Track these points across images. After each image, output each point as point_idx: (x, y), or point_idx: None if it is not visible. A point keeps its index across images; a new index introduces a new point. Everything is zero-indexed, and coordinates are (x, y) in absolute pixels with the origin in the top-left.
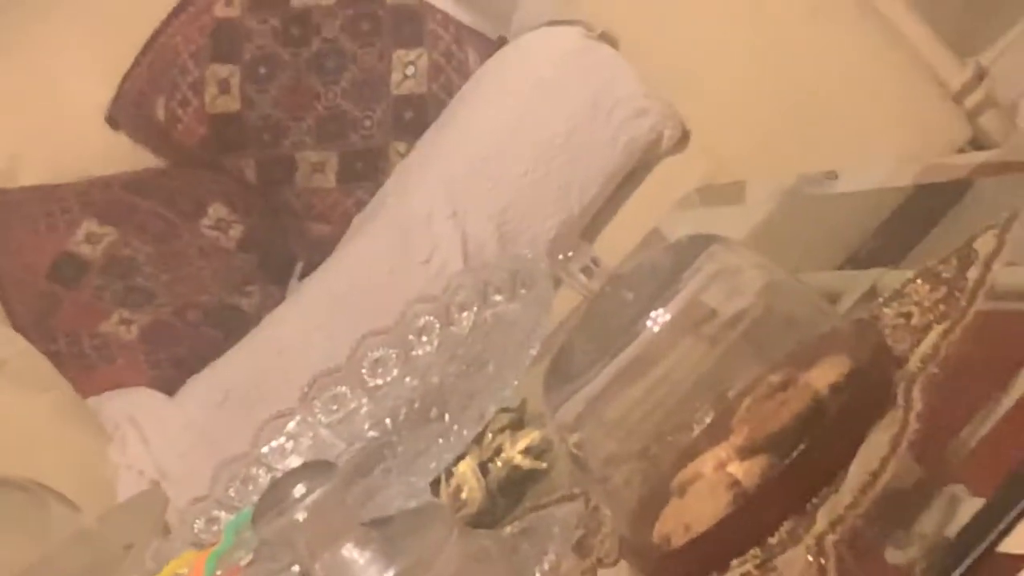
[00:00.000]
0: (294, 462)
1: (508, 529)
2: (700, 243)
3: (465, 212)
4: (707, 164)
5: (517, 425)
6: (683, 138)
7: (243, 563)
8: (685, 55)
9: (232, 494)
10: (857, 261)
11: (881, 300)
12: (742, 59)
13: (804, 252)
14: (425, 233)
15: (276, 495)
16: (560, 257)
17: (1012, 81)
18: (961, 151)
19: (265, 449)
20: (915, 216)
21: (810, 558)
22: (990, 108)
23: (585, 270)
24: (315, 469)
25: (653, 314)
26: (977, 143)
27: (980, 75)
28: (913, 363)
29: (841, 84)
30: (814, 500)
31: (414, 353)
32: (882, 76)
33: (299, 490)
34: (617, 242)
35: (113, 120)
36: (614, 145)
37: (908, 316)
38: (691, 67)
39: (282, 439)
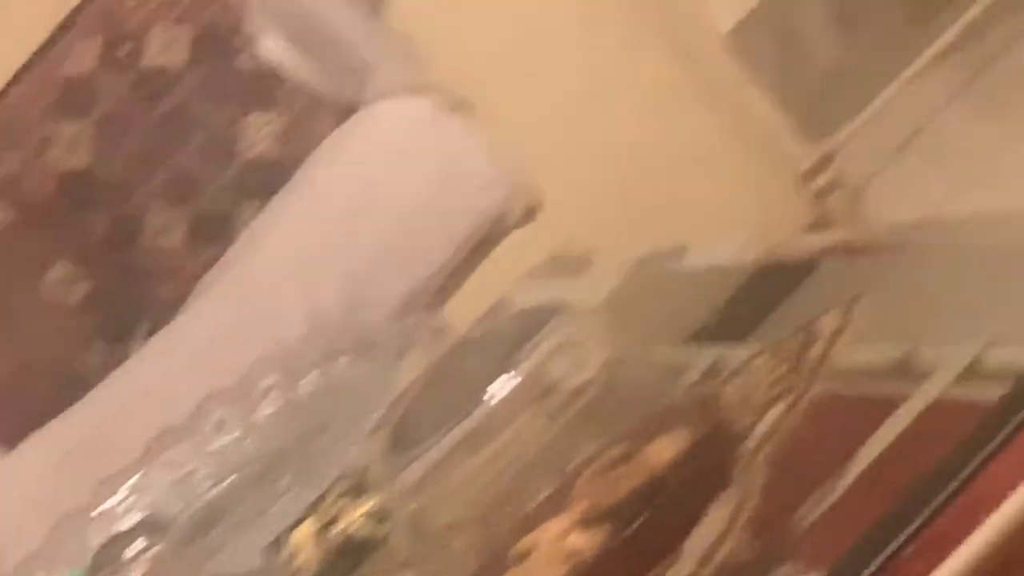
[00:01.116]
0: (134, 519)
1: None
2: (546, 313)
3: (312, 277)
4: (556, 236)
5: (358, 490)
6: (533, 210)
7: None
8: (537, 127)
9: (69, 551)
10: (703, 337)
11: (724, 376)
12: (595, 134)
13: (650, 326)
14: (272, 298)
15: (113, 551)
16: (405, 322)
17: (859, 164)
18: (808, 230)
19: (105, 506)
20: (761, 294)
21: None
22: (837, 189)
23: (430, 336)
24: (153, 527)
25: (497, 382)
26: (823, 223)
27: (828, 158)
28: (753, 440)
29: (692, 161)
30: (651, 573)
31: (256, 415)
32: (732, 155)
33: (136, 546)
34: (464, 312)
35: None
36: (464, 216)
37: (750, 392)
38: (543, 140)
39: (122, 496)
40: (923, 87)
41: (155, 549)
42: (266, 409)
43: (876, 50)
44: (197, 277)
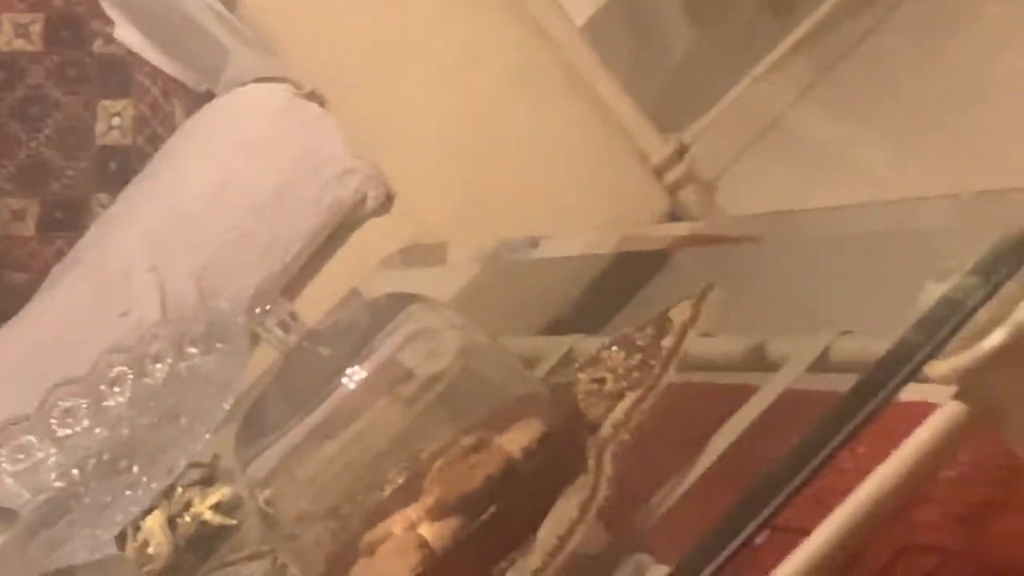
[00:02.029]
0: None
1: None
2: (399, 302)
3: (165, 266)
4: (411, 226)
5: (208, 480)
6: (388, 200)
7: None
8: (392, 117)
9: None
10: (557, 327)
11: (577, 365)
12: (448, 123)
13: (505, 316)
14: (124, 286)
15: None
16: (257, 311)
17: (712, 158)
18: (662, 223)
19: None
20: (615, 285)
21: None
22: (690, 183)
23: (282, 325)
24: None
25: (348, 371)
26: (676, 217)
27: (681, 151)
28: (606, 429)
29: (546, 152)
30: (503, 563)
31: (105, 404)
32: (586, 146)
33: None
34: (318, 302)
35: None
36: (318, 205)
37: (602, 382)
38: (397, 129)
39: None
40: (775, 82)
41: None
42: (115, 398)
43: (729, 45)
44: (49, 266)
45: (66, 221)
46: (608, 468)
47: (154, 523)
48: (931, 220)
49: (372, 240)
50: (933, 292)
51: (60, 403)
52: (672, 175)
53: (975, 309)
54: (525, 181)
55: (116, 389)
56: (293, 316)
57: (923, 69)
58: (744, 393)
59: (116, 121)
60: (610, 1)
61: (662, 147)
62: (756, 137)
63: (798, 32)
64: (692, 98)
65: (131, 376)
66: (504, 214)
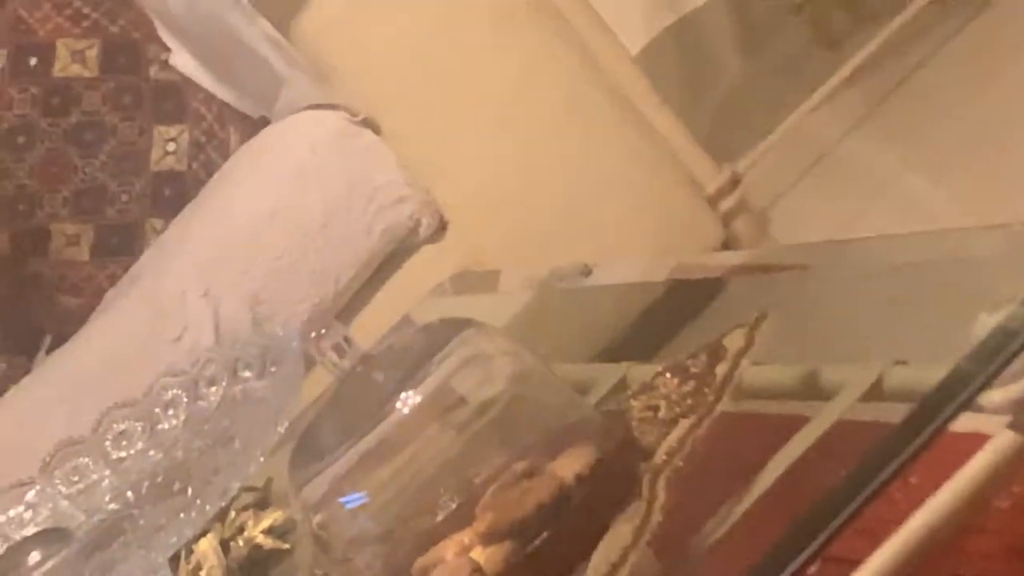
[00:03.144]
0: (33, 531)
1: None
2: (453, 327)
3: (218, 292)
4: (464, 253)
5: (261, 504)
6: (441, 227)
7: None
8: (446, 145)
9: None
10: (610, 354)
11: (630, 392)
12: (501, 150)
13: (557, 343)
14: (178, 311)
15: (11, 562)
16: (312, 335)
17: (765, 187)
18: (715, 251)
19: (2, 518)
20: (668, 313)
21: None
22: (743, 213)
23: (337, 349)
24: (51, 538)
25: (403, 396)
26: (729, 246)
27: (735, 180)
28: (659, 456)
29: (599, 181)
30: None
31: (160, 427)
32: (639, 175)
33: (34, 557)
34: (372, 328)
35: None
36: (371, 232)
37: (656, 409)
38: (451, 157)
39: (20, 508)
40: (827, 113)
41: (53, 561)
42: (170, 421)
43: (782, 76)
44: (103, 290)
45: (120, 246)
46: (661, 495)
47: (207, 546)
48: (983, 250)
49: (425, 267)
50: (986, 322)
51: (115, 426)
52: (725, 204)
53: None
54: (578, 209)
55: (170, 412)
56: (348, 340)
57: (972, 102)
58: (797, 422)
59: (171, 147)
60: (664, 31)
61: (716, 176)
62: (808, 167)
63: (850, 65)
64: (745, 128)
65: (185, 399)
66: (556, 242)
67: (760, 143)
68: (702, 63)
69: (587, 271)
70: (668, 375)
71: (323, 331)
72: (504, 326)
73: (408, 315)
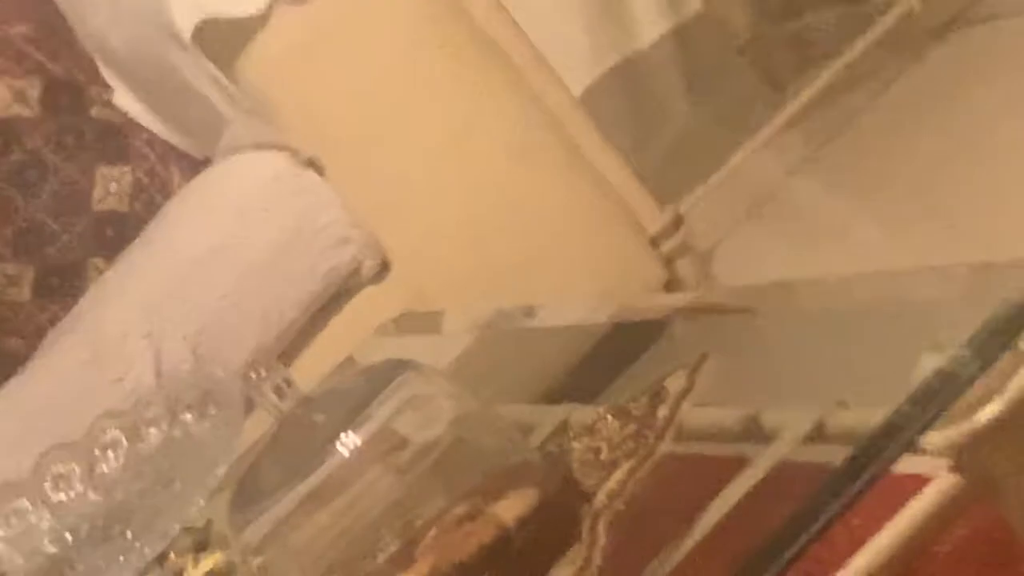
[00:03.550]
0: None
1: None
2: (395, 369)
3: (161, 332)
4: (407, 295)
5: (201, 546)
6: (384, 268)
7: None
8: (390, 186)
9: None
10: (553, 396)
11: (572, 434)
12: (445, 192)
13: (500, 385)
14: (119, 351)
15: None
16: (253, 376)
17: (708, 229)
18: (658, 293)
19: None
20: (611, 354)
21: None
22: (686, 254)
23: (278, 391)
24: None
25: (343, 438)
26: (672, 287)
27: (678, 222)
28: (600, 499)
29: (542, 222)
30: None
31: (99, 468)
32: (583, 216)
33: None
34: (314, 369)
35: None
36: (314, 272)
37: (597, 451)
38: (395, 198)
39: None
40: (771, 155)
41: None
42: (109, 463)
43: (726, 117)
44: (44, 331)
45: (62, 287)
46: (602, 538)
47: None
48: (925, 293)
49: (368, 308)
50: (928, 364)
51: (54, 467)
52: (668, 245)
53: (970, 382)
54: (521, 251)
55: (110, 454)
56: (288, 382)
57: (914, 145)
58: (738, 464)
59: (113, 187)
60: (608, 71)
61: (659, 217)
62: (751, 208)
63: (793, 107)
64: (688, 169)
65: (125, 441)
66: (500, 284)
67: (703, 184)
68: (646, 103)
69: (530, 313)
70: (610, 417)
71: (264, 373)
72: (447, 367)
73: (351, 356)
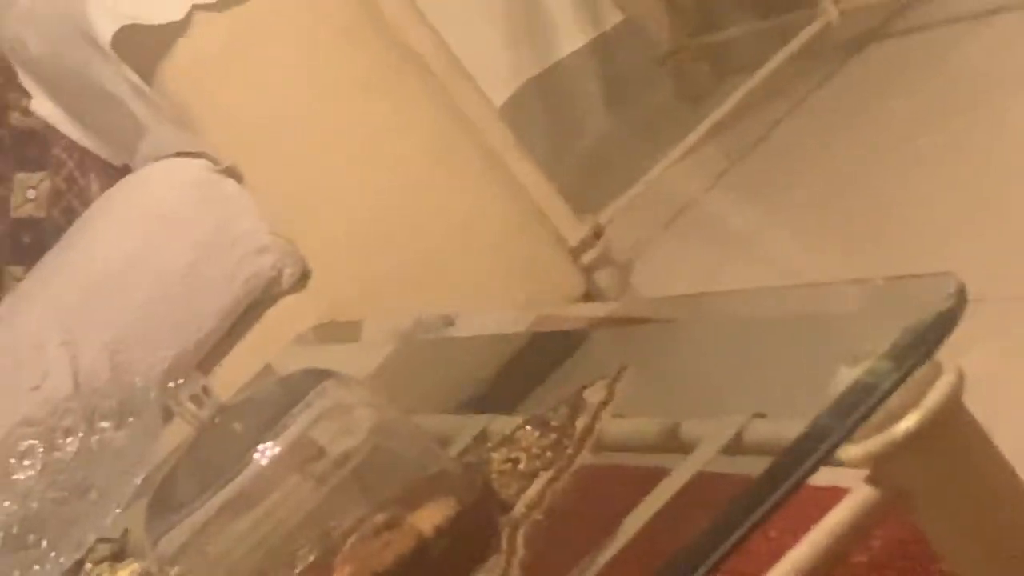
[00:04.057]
0: None
1: None
2: (313, 378)
3: (77, 340)
4: (326, 303)
5: (118, 556)
6: (303, 276)
7: None
8: (309, 194)
9: None
10: (472, 406)
11: (490, 445)
12: (365, 201)
13: (419, 394)
14: (36, 359)
15: None
16: (171, 385)
17: (627, 240)
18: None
19: None
20: (530, 364)
21: None
22: (605, 265)
23: (195, 399)
24: None
25: (261, 447)
26: (591, 299)
27: (597, 233)
28: (518, 509)
29: (462, 232)
30: None
31: (14, 477)
32: (502, 227)
33: None
34: (232, 377)
35: None
36: (233, 280)
37: (516, 461)
38: (315, 206)
39: None
40: (689, 167)
41: None
42: (25, 471)
43: (644, 129)
44: None
45: None
46: (520, 549)
47: None
48: (842, 305)
49: (287, 317)
50: (846, 376)
51: None
52: (588, 257)
53: (888, 393)
54: (441, 260)
55: (26, 462)
56: (206, 391)
57: (830, 158)
58: (657, 475)
59: (31, 194)
60: (527, 83)
61: (578, 229)
62: (670, 221)
63: (711, 119)
64: (607, 181)
65: (41, 449)
66: (420, 293)
67: (622, 195)
68: (565, 114)
69: (450, 322)
70: (528, 428)
71: (181, 381)
72: (367, 376)
73: (269, 365)
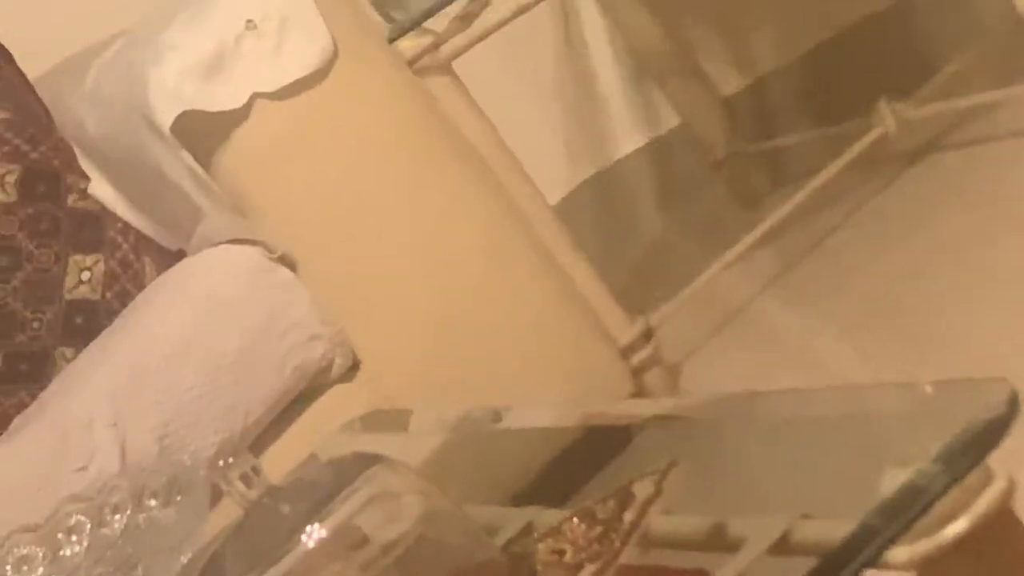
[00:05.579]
0: None
1: None
2: (363, 462)
3: (126, 422)
4: (375, 393)
5: None
6: (353, 367)
7: None
8: (361, 284)
9: None
10: (520, 500)
11: (536, 536)
12: (417, 292)
13: (467, 486)
14: (84, 440)
15: None
16: (221, 464)
17: (677, 342)
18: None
19: None
20: (579, 459)
21: None
22: (655, 367)
23: (245, 479)
24: None
25: (307, 530)
26: (642, 395)
27: (648, 334)
28: None
29: (513, 326)
30: None
31: (62, 552)
32: (553, 323)
33: None
34: (279, 465)
35: None
36: (283, 369)
37: (562, 553)
38: (367, 296)
39: None
40: (741, 271)
41: None
42: (72, 547)
43: (698, 232)
44: (10, 417)
45: (30, 373)
46: None
47: None
48: (893, 407)
49: (336, 406)
50: (895, 478)
51: (16, 550)
52: (638, 357)
53: (938, 497)
54: (491, 354)
55: (73, 538)
56: (256, 470)
57: (881, 267)
58: (703, 574)
59: (86, 276)
60: (583, 183)
61: (629, 329)
62: (721, 324)
63: (765, 225)
64: (660, 282)
65: (89, 525)
66: (468, 386)
67: (674, 297)
68: (620, 215)
69: (498, 416)
70: (575, 520)
71: (231, 460)
72: (414, 466)
73: (314, 454)
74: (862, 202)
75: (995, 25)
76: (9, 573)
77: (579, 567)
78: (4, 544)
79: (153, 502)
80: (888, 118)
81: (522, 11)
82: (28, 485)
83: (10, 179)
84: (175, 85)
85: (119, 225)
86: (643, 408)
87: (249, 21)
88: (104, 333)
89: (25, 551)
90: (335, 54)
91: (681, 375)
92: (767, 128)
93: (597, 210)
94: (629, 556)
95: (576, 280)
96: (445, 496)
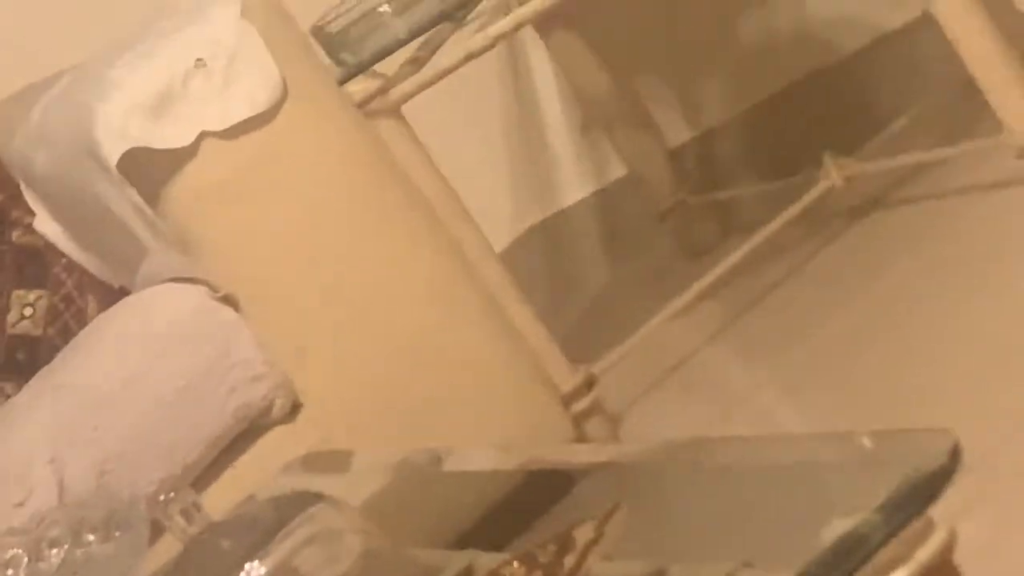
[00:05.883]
0: None
1: None
2: (304, 501)
3: (65, 459)
4: (317, 435)
5: None
6: (295, 408)
7: None
8: (305, 326)
9: None
10: (460, 542)
11: None
12: (361, 336)
13: (406, 529)
14: (22, 476)
15: None
16: (161, 498)
17: (620, 392)
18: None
19: None
20: (520, 504)
21: None
22: (596, 415)
23: (185, 514)
24: None
25: (247, 567)
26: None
27: (590, 382)
28: None
29: (455, 372)
30: None
31: None
32: (496, 371)
33: None
34: (219, 505)
35: None
36: (224, 409)
37: None
38: (310, 338)
39: None
40: (686, 323)
41: None
42: None
43: (643, 283)
44: None
45: None
46: None
47: None
48: (836, 457)
49: (276, 447)
50: (836, 528)
51: None
52: (579, 405)
53: (879, 546)
54: (433, 398)
55: (10, 572)
56: (197, 506)
57: (830, 321)
58: None
59: (28, 311)
60: (529, 230)
61: (571, 376)
62: (664, 375)
63: (710, 276)
64: (603, 332)
65: (26, 559)
66: (410, 429)
67: (617, 347)
68: (565, 263)
69: (438, 460)
70: (516, 564)
71: (172, 495)
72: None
73: (253, 495)
74: (808, 256)
75: (942, 83)
76: None
77: None
78: None
79: (92, 537)
80: (834, 173)
81: (471, 57)
82: None
83: None
84: (122, 122)
85: (63, 261)
86: (585, 454)
87: (199, 59)
88: (45, 369)
89: None
90: (284, 94)
91: (622, 424)
92: (714, 180)
93: (543, 257)
94: None
95: (520, 326)
96: (385, 537)
